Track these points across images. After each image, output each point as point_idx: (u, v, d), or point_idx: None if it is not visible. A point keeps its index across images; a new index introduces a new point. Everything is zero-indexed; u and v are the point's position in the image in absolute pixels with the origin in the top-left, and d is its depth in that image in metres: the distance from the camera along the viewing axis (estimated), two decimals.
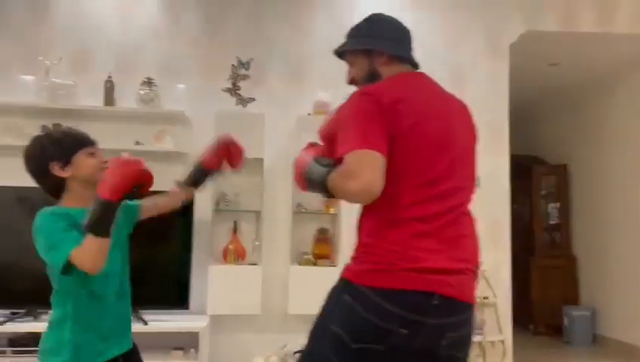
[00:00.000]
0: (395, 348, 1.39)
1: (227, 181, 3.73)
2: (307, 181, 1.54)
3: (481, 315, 3.74)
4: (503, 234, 4.07)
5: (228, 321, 3.67)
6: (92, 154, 1.76)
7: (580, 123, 5.87)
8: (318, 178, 1.49)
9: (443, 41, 4.07)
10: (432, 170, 1.45)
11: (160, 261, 3.52)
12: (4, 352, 3.14)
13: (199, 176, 1.99)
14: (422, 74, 1.65)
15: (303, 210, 3.78)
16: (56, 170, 1.68)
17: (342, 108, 1.52)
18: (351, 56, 1.71)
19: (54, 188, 1.73)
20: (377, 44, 1.64)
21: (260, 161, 3.70)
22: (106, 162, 1.74)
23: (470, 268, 1.50)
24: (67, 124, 3.64)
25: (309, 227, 3.84)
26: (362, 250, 1.47)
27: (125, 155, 1.87)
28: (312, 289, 3.67)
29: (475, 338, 3.71)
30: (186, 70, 3.89)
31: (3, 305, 3.33)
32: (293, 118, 3.77)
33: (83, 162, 1.72)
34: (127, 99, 3.72)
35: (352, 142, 1.38)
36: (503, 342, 3.85)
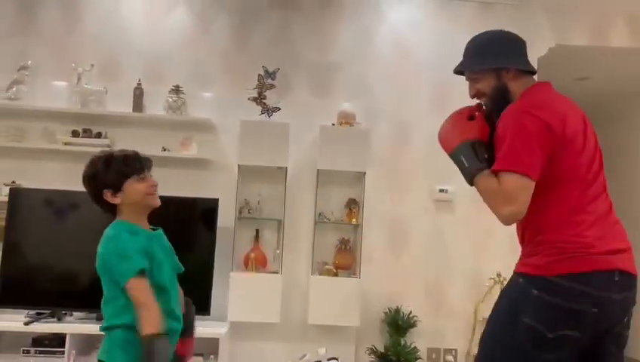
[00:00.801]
0: (587, 331, 1.59)
1: (251, 189, 3.77)
2: (456, 155, 1.73)
3: None
4: None
5: (248, 329, 3.68)
6: (142, 180, 1.85)
7: (609, 137, 5.75)
8: (469, 167, 1.69)
9: None
10: (588, 174, 1.68)
11: (184, 266, 3.55)
12: (28, 352, 3.21)
13: None
14: (549, 84, 1.83)
15: (324, 220, 3.79)
16: (109, 196, 1.81)
17: (502, 119, 1.69)
18: (475, 73, 1.84)
19: (109, 210, 1.86)
20: (507, 62, 1.81)
21: (284, 170, 3.72)
22: (154, 186, 1.88)
23: (630, 248, 1.72)
24: (97, 129, 3.73)
25: (331, 237, 3.84)
26: (541, 245, 1.65)
27: None
28: (332, 299, 3.68)
29: None
30: (213, 79, 3.95)
31: (29, 306, 3.40)
32: (317, 128, 3.79)
33: (132, 189, 1.82)
34: (156, 106, 3.79)
35: (516, 162, 1.59)
36: None
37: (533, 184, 1.59)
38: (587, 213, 1.65)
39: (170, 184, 3.73)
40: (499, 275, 3.76)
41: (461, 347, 3.91)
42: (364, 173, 3.72)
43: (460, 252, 3.97)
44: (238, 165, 3.68)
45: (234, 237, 3.69)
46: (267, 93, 3.76)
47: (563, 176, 1.64)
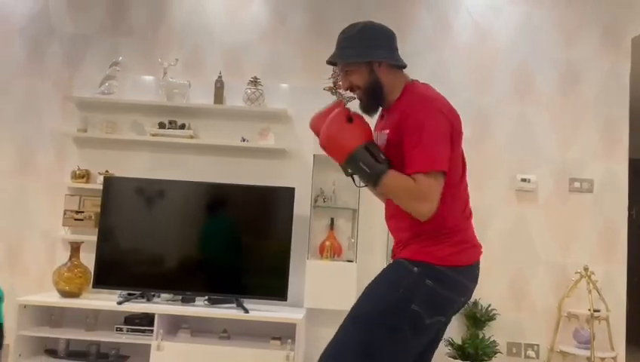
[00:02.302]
0: (449, 317, 1.79)
1: (326, 179, 3.81)
2: (352, 161, 1.72)
3: (591, 329, 3.48)
4: (619, 243, 3.76)
5: (323, 315, 3.74)
6: None
7: None
8: (371, 172, 1.70)
9: (555, 37, 3.84)
10: (463, 174, 1.81)
11: (262, 253, 3.67)
12: (121, 329, 3.45)
13: None
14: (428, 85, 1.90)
15: None
16: None
17: (413, 115, 1.71)
18: (349, 65, 1.82)
19: None
20: (379, 55, 1.80)
21: None
22: None
23: None
24: (181, 121, 3.91)
25: None
26: (441, 236, 1.73)
27: None
28: None
29: (583, 353, 3.48)
30: (289, 70, 4.01)
31: (121, 287, 3.65)
32: None
33: None
34: (236, 98, 3.92)
35: (434, 161, 1.65)
36: (614, 359, 3.56)
37: (444, 179, 1.68)
38: (469, 206, 1.84)
39: (248, 173, 3.87)
40: (586, 269, 3.56)
41: (543, 342, 3.75)
42: None
43: (544, 244, 3.80)
44: (314, 155, 3.73)
45: (310, 226, 3.75)
46: (342, 82, 3.77)
47: (456, 171, 1.75)
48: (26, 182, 3.99)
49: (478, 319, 3.64)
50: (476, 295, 3.84)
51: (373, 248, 3.82)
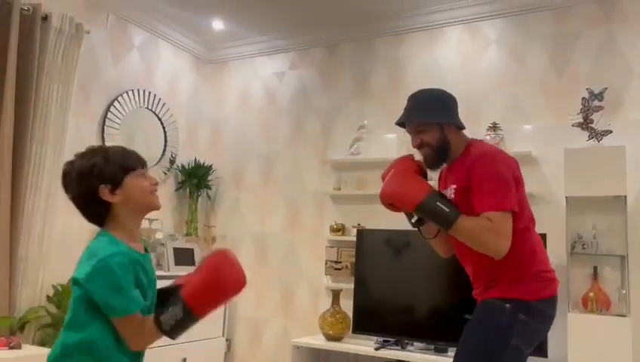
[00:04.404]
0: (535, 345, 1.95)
1: (582, 223, 3.47)
2: (429, 204, 1.89)
3: None
4: None
5: None
6: (144, 176, 1.58)
7: None
8: (450, 212, 1.87)
9: None
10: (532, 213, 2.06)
11: None
12: None
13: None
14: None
15: None
16: (106, 193, 1.51)
17: (478, 168, 1.92)
18: (423, 125, 2.07)
19: (97, 215, 1.54)
20: (451, 118, 2.09)
21: (622, 198, 3.30)
22: (157, 184, 1.61)
23: None
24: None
25: None
26: (525, 273, 1.92)
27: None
28: None
29: None
30: (530, 111, 3.86)
31: (377, 333, 3.85)
32: None
33: (135, 184, 1.54)
34: None
35: (503, 201, 1.84)
36: None
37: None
38: (542, 244, 2.04)
39: None
40: None
41: None
42: None
43: None
44: (566, 197, 3.45)
45: (568, 275, 3.43)
46: (594, 117, 3.46)
47: (523, 213, 1.94)
48: (294, 237, 4.61)
49: None
50: None
51: None
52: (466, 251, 1.97)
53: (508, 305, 1.84)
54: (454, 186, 1.98)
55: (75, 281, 1.46)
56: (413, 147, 2.12)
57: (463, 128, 2.13)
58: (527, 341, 1.85)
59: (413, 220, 2.10)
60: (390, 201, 2.03)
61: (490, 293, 1.91)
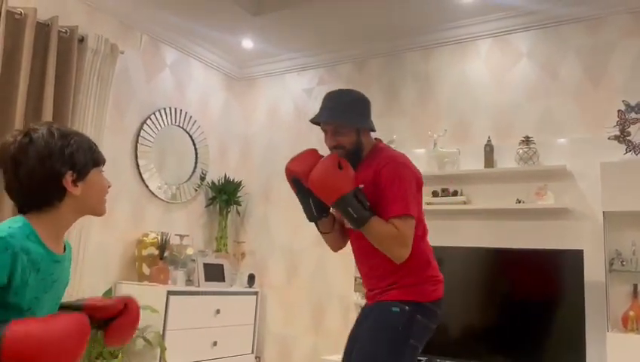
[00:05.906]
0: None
1: (621, 239, 3.35)
2: (341, 205, 1.96)
3: None
4: None
5: None
6: (103, 175, 1.47)
7: None
8: (358, 218, 1.95)
9: None
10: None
11: (550, 323, 3.38)
12: None
13: None
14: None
15: None
16: (68, 182, 1.36)
17: (385, 171, 2.03)
18: (341, 127, 2.11)
19: (40, 203, 1.35)
20: (368, 123, 2.18)
21: None
22: (109, 187, 1.49)
23: None
24: (453, 188, 4.01)
25: None
26: (419, 276, 2.07)
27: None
28: None
29: None
30: (564, 124, 3.77)
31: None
32: None
33: (97, 180, 1.42)
34: (506, 160, 3.84)
35: (408, 206, 1.97)
36: None
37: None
38: (433, 251, 2.18)
39: (526, 236, 3.68)
40: None
41: None
42: None
43: None
44: (603, 212, 3.34)
45: (606, 293, 3.31)
46: (631, 129, 3.36)
47: (421, 221, 2.09)
48: (324, 252, 4.59)
49: None
50: None
51: None
52: (370, 252, 2.05)
53: (407, 307, 1.97)
54: (361, 186, 2.03)
55: None
56: (328, 146, 2.16)
57: (375, 131, 2.21)
58: (421, 340, 2.01)
59: (316, 212, 2.19)
60: (316, 185, 2.01)
61: (388, 296, 2.02)
